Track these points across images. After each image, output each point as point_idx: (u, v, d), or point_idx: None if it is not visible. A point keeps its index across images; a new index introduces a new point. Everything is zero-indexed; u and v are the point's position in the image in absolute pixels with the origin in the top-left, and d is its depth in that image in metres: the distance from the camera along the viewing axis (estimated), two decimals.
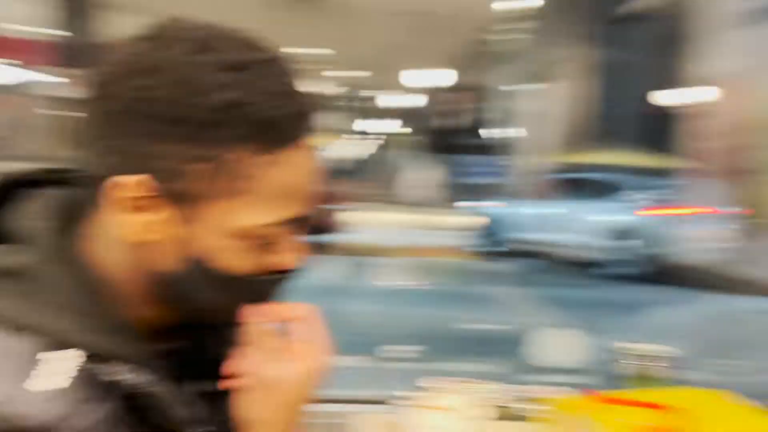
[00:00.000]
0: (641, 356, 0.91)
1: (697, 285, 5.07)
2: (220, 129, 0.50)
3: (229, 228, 0.52)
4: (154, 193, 0.51)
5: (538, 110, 8.14)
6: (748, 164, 5.95)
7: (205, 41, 0.51)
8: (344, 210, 6.18)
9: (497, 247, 6.60)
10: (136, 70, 0.50)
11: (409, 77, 6.72)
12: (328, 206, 5.73)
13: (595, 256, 5.97)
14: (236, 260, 0.53)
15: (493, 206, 7.17)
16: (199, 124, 0.49)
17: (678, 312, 4.38)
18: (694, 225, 5.72)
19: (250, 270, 0.53)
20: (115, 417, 0.49)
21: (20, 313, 0.49)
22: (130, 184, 0.51)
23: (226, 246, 0.52)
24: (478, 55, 10.47)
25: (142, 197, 0.51)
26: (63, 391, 0.46)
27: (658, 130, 6.93)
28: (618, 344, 0.94)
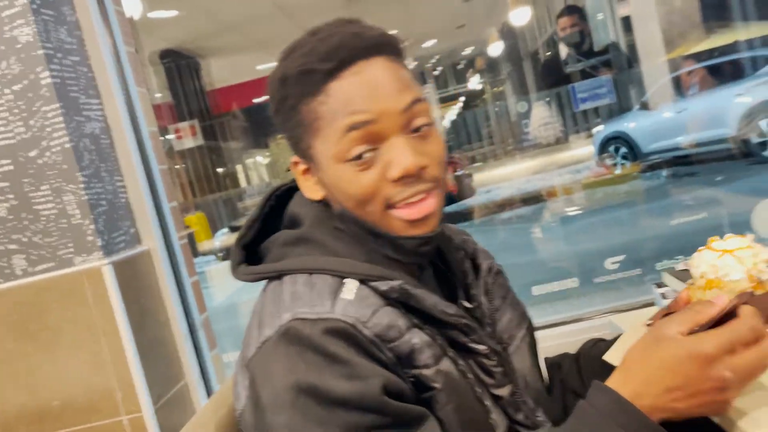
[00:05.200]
0: None
1: None
2: (288, 99, 0.67)
3: (328, 160, 0.67)
4: (305, 163, 0.71)
5: (638, 12, 7.60)
6: None
7: (284, 49, 0.70)
8: (470, 173, 6.15)
9: (641, 161, 6.26)
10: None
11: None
12: (455, 173, 5.72)
13: (749, 141, 5.47)
14: (351, 183, 0.66)
15: (619, 124, 6.80)
16: (280, 104, 0.68)
17: None
18: None
19: (369, 187, 0.66)
20: (393, 314, 0.65)
21: (315, 263, 0.68)
22: (294, 163, 0.73)
23: (339, 174, 0.67)
24: None
25: (304, 168, 0.72)
26: (352, 302, 0.63)
27: None
28: None
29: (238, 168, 9.79)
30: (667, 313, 0.69)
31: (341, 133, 0.65)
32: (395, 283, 0.65)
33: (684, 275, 0.96)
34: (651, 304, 1.07)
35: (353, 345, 0.61)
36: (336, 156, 0.66)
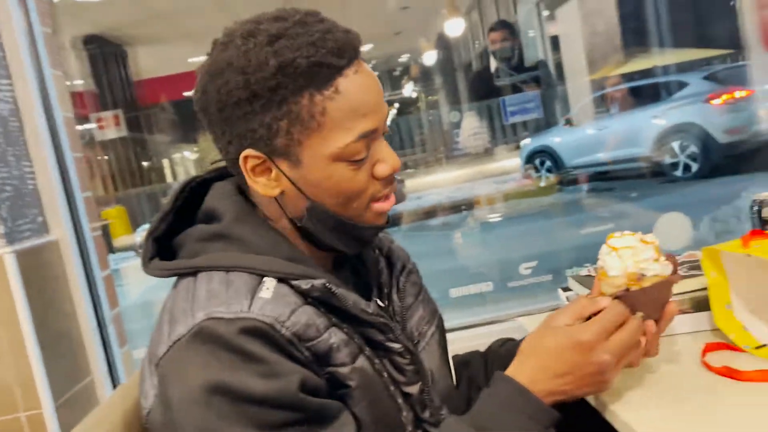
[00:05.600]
0: None
1: None
2: (280, 89, 0.62)
3: (324, 158, 0.65)
4: (263, 158, 0.66)
5: (565, 33, 7.94)
6: None
7: (249, 32, 0.64)
8: (402, 179, 6.21)
9: (562, 175, 6.53)
10: (212, 74, 0.65)
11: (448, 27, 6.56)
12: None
13: (662, 162, 5.83)
14: (346, 181, 0.66)
15: (545, 139, 7.06)
16: (267, 92, 0.62)
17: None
18: (759, 104, 5.49)
19: (363, 185, 0.67)
20: (312, 313, 0.64)
21: (233, 260, 0.66)
22: (245, 158, 0.66)
23: (332, 173, 0.65)
24: None
25: (258, 164, 0.67)
26: (269, 301, 0.62)
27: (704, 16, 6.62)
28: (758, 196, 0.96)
29: (165, 163, 9.48)
30: None
31: (353, 137, 0.65)
32: (318, 281, 0.65)
33: (587, 280, 1.01)
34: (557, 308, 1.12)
35: (270, 344, 0.60)
36: (336, 155, 0.65)
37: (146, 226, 0.75)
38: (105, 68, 6.77)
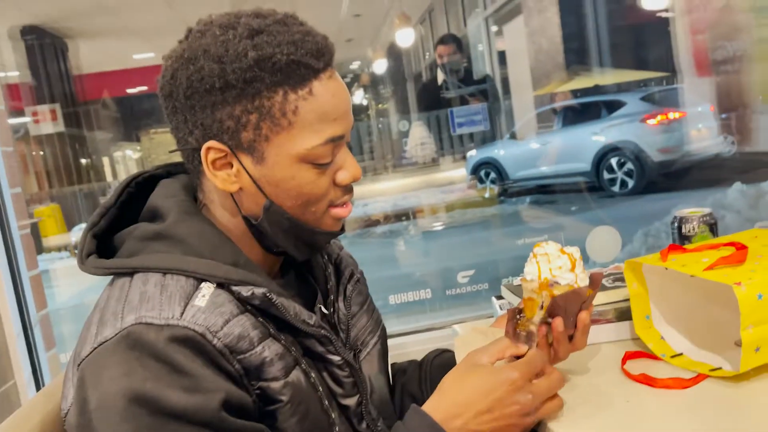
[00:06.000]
0: (702, 216, 0.99)
1: (711, 182, 5.13)
2: (257, 82, 0.62)
3: (290, 157, 0.65)
4: (226, 151, 0.65)
5: (511, 48, 8.15)
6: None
7: (228, 23, 0.64)
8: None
9: (502, 188, 6.68)
10: (186, 59, 0.64)
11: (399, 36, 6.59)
12: None
13: (597, 178, 6.06)
14: (308, 184, 0.66)
15: (490, 151, 7.22)
16: (241, 83, 0.62)
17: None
18: (690, 125, 5.79)
19: (324, 189, 0.67)
20: (249, 323, 0.63)
21: (171, 263, 0.63)
22: (207, 149, 0.65)
23: (295, 174, 0.65)
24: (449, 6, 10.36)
25: (219, 157, 0.66)
26: (203, 309, 0.61)
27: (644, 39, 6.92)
28: (679, 212, 1.01)
29: (105, 160, 9.19)
30: (518, 309, 0.75)
31: (321, 140, 0.65)
32: (259, 290, 0.64)
33: (519, 289, 1.04)
34: (492, 316, 1.15)
35: (199, 355, 0.59)
36: (302, 156, 0.65)
37: (82, 226, 0.72)
38: (43, 60, 6.51)
